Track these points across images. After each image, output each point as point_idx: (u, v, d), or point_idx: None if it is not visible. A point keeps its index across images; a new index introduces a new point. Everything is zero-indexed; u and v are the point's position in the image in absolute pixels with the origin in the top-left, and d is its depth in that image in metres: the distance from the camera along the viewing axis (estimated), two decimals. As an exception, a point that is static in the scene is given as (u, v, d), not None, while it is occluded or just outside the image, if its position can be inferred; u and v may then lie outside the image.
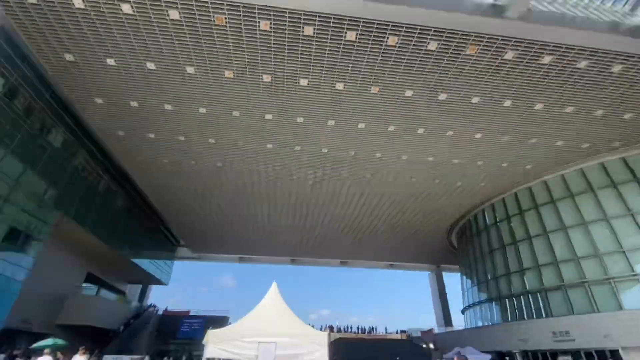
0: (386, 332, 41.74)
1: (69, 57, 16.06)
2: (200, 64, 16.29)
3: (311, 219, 38.23)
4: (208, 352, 10.29)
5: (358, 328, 46.82)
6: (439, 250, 47.40)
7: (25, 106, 18.57)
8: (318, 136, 22.07)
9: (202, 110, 19.58)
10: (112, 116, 20.40)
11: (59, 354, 16.58)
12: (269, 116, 20.08)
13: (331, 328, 40.36)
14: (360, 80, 17.06)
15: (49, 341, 18.13)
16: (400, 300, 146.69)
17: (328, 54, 15.42)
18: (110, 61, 16.13)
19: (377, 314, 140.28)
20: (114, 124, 21.24)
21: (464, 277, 41.91)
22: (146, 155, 24.72)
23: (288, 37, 14.65)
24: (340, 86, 17.38)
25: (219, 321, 37.09)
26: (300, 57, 15.66)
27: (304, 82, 17.09)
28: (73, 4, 13.41)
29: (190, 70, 16.58)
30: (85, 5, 13.44)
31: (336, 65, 16.09)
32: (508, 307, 31.07)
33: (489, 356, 28.52)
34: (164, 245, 46.88)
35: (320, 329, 40.22)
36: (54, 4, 13.51)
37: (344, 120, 20.46)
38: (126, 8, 13.46)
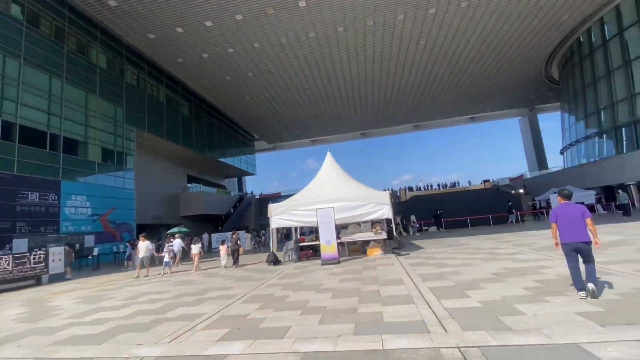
0: (469, 185, 40.95)
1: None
2: None
3: (380, 90, 34.87)
4: (273, 222, 10.92)
5: (439, 185, 47.02)
6: (534, 88, 39.92)
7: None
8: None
9: None
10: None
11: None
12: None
13: (410, 188, 41.34)
14: None
15: (175, 229, 22.60)
16: (486, 153, 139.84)
17: None
18: None
19: (461, 170, 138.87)
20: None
21: (566, 113, 35.58)
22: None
23: None
24: None
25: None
26: None
27: None
28: None
29: None
30: None
31: None
32: (622, 138, 25.88)
33: (592, 192, 25.78)
34: (242, 142, 50.84)
35: (406, 191, 41.59)
36: None
37: None
38: None
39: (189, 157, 35.62)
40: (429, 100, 40.92)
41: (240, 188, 58.55)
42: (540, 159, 47.44)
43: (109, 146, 22.60)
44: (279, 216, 10.92)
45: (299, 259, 11.44)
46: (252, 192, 53.69)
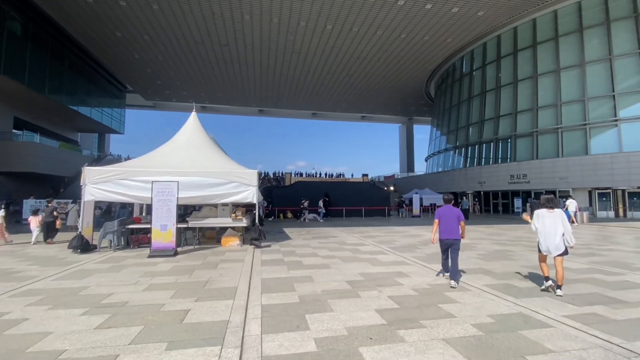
0: (352, 177, 43.52)
1: None
2: None
3: (282, 66, 32.51)
4: (87, 193, 7.68)
5: (326, 174, 48.65)
6: (414, 100, 44.93)
7: None
8: None
9: None
10: None
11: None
12: None
13: (300, 174, 41.22)
14: None
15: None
16: (370, 152, 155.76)
17: None
18: None
19: (348, 164, 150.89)
20: None
21: (434, 127, 41.22)
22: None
23: None
24: None
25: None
26: None
27: None
28: None
29: None
30: None
31: None
32: (469, 154, 31.27)
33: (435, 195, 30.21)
34: (108, 90, 40.83)
35: (291, 176, 40.91)
36: None
37: None
38: None
39: (18, 93, 26.00)
40: (327, 91, 41.21)
41: (100, 148, 47.61)
42: (409, 163, 54.36)
43: None
44: (99, 185, 7.73)
45: (127, 245, 8.52)
46: (116, 155, 44.11)
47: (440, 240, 5.34)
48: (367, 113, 54.24)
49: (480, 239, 10.81)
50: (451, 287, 4.93)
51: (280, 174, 42.33)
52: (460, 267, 5.78)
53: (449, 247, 5.22)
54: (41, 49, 26.77)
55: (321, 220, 19.17)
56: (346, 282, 5.11)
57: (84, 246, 7.64)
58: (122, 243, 8.39)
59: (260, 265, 6.43)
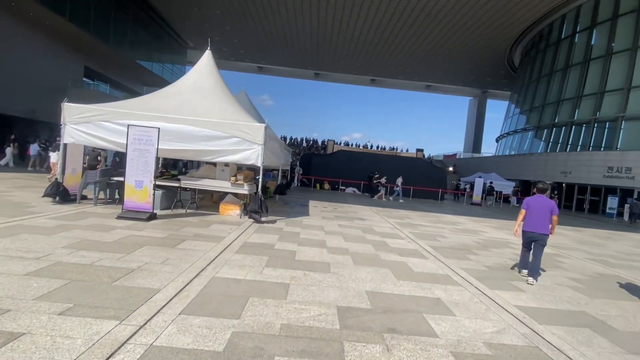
0: (404, 152, 39.69)
1: None
2: None
3: (342, 21, 29.25)
4: (66, 134, 6.49)
5: (378, 147, 45.40)
6: (492, 69, 38.31)
7: None
8: None
9: None
10: None
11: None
12: None
13: (347, 144, 38.66)
14: None
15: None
16: (432, 128, 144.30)
17: None
18: None
19: (407, 138, 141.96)
20: None
21: (513, 102, 34.93)
22: None
23: None
24: None
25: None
26: None
27: None
28: None
29: None
30: None
31: None
32: (554, 137, 25.55)
33: (512, 183, 25.63)
34: (171, 46, 41.56)
35: (334, 143, 38.44)
36: None
37: None
38: None
39: (87, 43, 26.97)
40: (389, 53, 36.81)
41: (162, 102, 49.90)
42: (476, 142, 48.18)
43: None
44: (79, 126, 6.48)
45: (111, 197, 7.34)
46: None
47: (524, 232, 4.76)
48: (434, 82, 48.37)
49: (568, 249, 7.74)
50: (528, 283, 4.45)
51: (318, 142, 40.09)
52: (546, 299, 3.50)
53: (534, 242, 4.64)
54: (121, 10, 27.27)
55: (401, 200, 16.83)
56: (335, 311, 3.00)
57: (60, 194, 6.57)
58: (106, 197, 7.24)
59: (235, 251, 4.61)
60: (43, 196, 6.62)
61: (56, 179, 6.66)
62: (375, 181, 17.01)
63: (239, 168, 8.07)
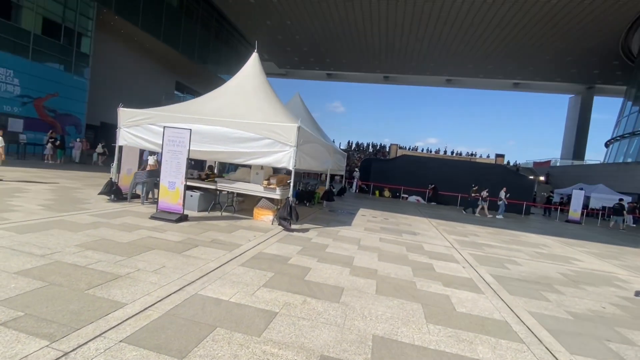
0: (480, 157, 35.36)
1: None
2: None
3: (412, 20, 27.83)
4: (121, 137, 6.96)
5: (452, 152, 41.74)
6: (601, 60, 31.71)
7: None
8: None
9: None
10: None
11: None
12: None
13: (414, 149, 36.21)
14: None
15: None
16: (522, 131, 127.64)
17: None
18: None
19: (490, 144, 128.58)
20: None
21: (630, 99, 28.31)
22: None
23: None
24: None
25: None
26: None
27: None
28: None
29: None
30: None
31: None
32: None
33: (627, 198, 20.48)
34: (247, 58, 45.08)
35: (397, 148, 36.37)
36: None
37: None
38: None
39: (176, 60, 31.13)
40: (468, 49, 33.38)
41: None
42: (578, 147, 40.52)
43: (53, 17, 18.45)
44: (130, 129, 6.91)
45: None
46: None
47: None
48: (523, 79, 42.44)
49: None
50: None
51: (386, 147, 38.16)
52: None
53: None
54: (191, 19, 30.57)
55: (500, 217, 14.91)
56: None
57: (114, 193, 7.08)
58: (153, 196, 7.59)
59: (241, 263, 4.13)
60: (99, 194, 7.24)
61: (110, 178, 7.21)
62: (473, 194, 15.03)
63: (276, 171, 7.75)
